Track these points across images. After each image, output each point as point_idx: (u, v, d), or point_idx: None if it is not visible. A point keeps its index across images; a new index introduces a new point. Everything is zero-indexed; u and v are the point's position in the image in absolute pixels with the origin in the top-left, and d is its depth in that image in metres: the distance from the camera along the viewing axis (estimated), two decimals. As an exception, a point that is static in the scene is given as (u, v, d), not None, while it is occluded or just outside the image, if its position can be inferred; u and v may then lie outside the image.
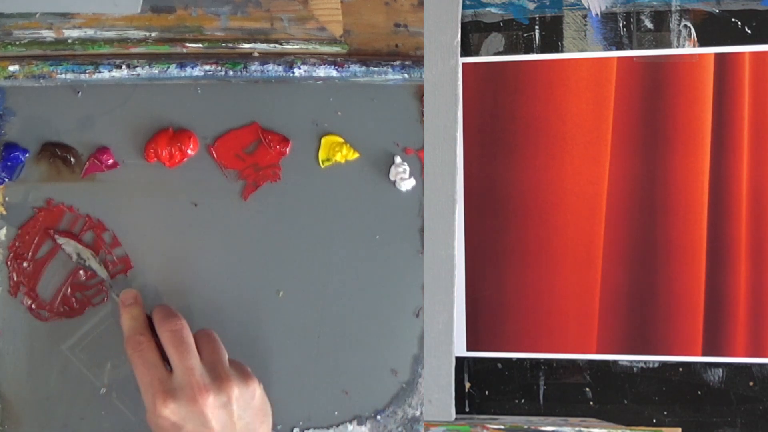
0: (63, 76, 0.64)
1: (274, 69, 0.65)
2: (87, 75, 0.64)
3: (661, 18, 0.64)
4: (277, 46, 0.65)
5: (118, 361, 0.65)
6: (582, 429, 0.65)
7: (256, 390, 0.59)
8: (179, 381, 0.57)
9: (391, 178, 0.66)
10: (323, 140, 0.66)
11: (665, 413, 0.66)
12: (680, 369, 0.65)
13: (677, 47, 0.64)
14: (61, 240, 0.65)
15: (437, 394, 0.66)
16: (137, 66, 0.64)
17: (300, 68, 0.65)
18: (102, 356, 0.66)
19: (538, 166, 0.65)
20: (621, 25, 0.64)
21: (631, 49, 0.64)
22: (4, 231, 0.66)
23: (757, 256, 0.63)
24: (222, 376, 0.58)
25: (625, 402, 0.66)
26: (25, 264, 0.66)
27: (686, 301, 0.64)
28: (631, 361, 0.66)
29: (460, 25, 0.65)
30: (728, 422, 0.65)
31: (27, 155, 0.66)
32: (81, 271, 0.66)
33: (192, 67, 0.64)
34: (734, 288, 0.64)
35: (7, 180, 0.66)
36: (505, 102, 0.66)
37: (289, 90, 0.66)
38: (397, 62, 0.65)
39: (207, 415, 0.56)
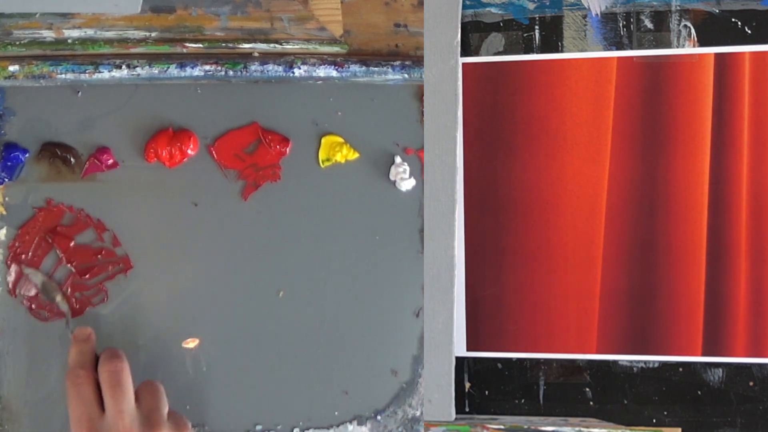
0: (63, 76, 0.64)
1: (274, 69, 0.65)
2: (87, 75, 0.64)
3: (661, 18, 0.64)
4: (277, 46, 0.65)
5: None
6: (582, 429, 0.65)
7: None
8: (108, 422, 0.57)
9: (391, 178, 0.66)
10: (323, 140, 0.66)
11: (665, 413, 0.65)
12: (680, 369, 0.65)
13: (677, 47, 0.64)
14: (27, 270, 0.65)
15: (437, 394, 0.66)
16: (137, 66, 0.64)
17: (300, 68, 0.65)
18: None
19: (538, 166, 0.65)
20: (621, 25, 0.64)
21: (631, 49, 0.64)
22: (4, 231, 0.66)
23: (757, 256, 0.63)
24: (154, 424, 0.58)
25: (625, 402, 0.66)
26: (25, 264, 0.66)
27: (686, 301, 0.64)
28: (631, 361, 0.66)
29: (460, 25, 0.65)
30: (728, 422, 0.65)
31: (27, 155, 0.66)
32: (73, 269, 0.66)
33: (192, 67, 0.64)
34: (734, 288, 0.64)
35: (7, 180, 0.66)
36: (505, 102, 0.66)
37: (289, 90, 0.66)
38: (397, 62, 0.65)
39: None
